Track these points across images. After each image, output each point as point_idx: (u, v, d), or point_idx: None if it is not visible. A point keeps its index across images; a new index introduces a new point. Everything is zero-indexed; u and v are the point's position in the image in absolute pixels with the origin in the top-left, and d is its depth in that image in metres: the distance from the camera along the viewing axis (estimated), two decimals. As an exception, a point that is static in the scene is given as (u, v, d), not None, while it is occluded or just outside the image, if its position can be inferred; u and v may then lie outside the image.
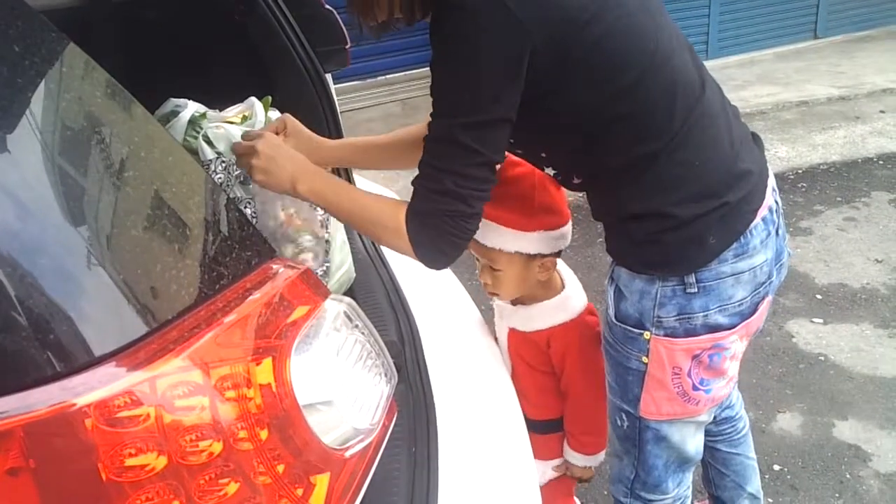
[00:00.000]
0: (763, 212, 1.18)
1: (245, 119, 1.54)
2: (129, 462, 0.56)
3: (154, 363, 0.59)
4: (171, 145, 0.83)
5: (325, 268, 1.47)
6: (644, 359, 1.22)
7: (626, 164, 1.13)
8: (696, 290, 1.15)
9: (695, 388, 1.23)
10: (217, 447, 0.61)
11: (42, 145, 0.66)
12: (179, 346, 0.62)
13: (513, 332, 1.53)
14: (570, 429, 1.56)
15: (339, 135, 1.76)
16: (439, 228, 1.08)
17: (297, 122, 1.37)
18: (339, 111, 1.84)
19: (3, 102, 0.66)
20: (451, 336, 1.44)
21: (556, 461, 1.62)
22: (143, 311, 0.63)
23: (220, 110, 1.57)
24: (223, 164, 1.37)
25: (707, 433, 1.47)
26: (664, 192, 1.12)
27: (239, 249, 0.78)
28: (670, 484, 1.38)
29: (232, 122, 1.48)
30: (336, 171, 1.71)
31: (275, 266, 0.79)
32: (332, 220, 1.47)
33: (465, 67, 1.01)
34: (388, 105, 6.05)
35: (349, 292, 1.50)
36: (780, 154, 4.63)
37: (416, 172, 1.09)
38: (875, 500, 2.02)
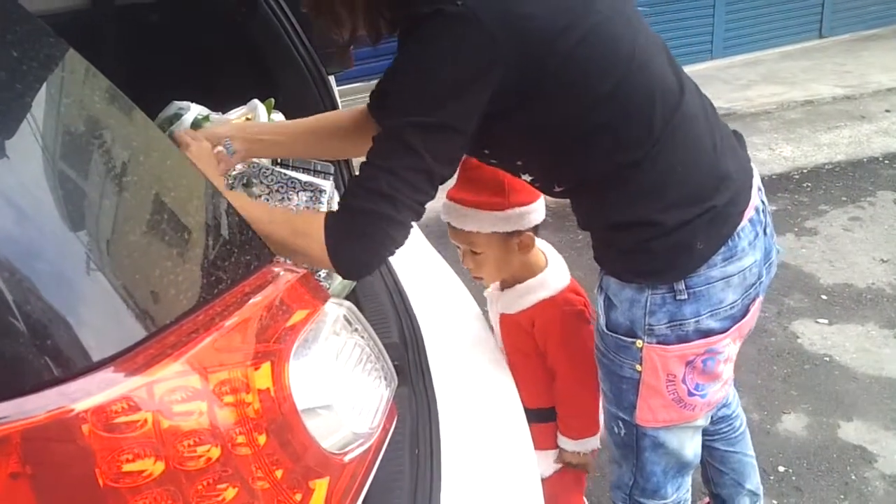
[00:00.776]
0: (750, 213, 1.17)
1: (248, 121, 1.54)
2: (127, 468, 0.56)
3: (152, 368, 0.59)
4: (169, 149, 0.83)
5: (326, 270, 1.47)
6: (637, 367, 1.21)
7: (608, 173, 1.12)
8: (686, 296, 1.14)
9: (690, 393, 1.22)
10: (215, 452, 0.61)
11: (40, 150, 0.66)
12: (177, 350, 0.61)
13: (503, 318, 1.55)
14: (559, 412, 1.56)
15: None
16: (359, 227, 1.02)
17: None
18: (341, 113, 1.84)
19: (1, 107, 0.66)
20: (454, 338, 1.44)
21: (555, 452, 1.62)
22: (141, 315, 0.63)
23: (224, 112, 1.58)
24: (225, 167, 1.37)
25: (704, 432, 1.47)
26: (649, 200, 1.11)
27: (238, 253, 0.78)
28: (669, 489, 1.38)
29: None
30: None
31: (274, 270, 0.79)
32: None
33: (426, 69, 1.00)
34: (392, 106, 6.03)
35: (352, 294, 1.50)
36: (785, 154, 4.62)
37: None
38: (880, 501, 2.01)
